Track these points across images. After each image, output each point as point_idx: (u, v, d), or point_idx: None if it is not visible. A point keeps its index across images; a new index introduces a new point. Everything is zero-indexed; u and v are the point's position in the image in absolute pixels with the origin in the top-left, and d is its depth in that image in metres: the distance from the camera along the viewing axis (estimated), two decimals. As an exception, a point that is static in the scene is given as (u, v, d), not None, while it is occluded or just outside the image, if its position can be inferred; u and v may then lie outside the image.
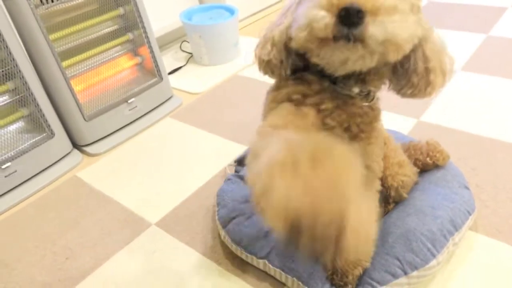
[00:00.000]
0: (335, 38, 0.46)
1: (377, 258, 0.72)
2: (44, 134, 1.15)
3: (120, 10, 1.26)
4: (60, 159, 1.19)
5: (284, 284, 0.78)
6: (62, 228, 0.98)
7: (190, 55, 1.73)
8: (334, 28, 0.45)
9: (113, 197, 1.06)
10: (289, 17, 0.55)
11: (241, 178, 0.97)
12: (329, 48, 0.48)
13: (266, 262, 0.78)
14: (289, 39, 0.54)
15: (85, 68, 1.23)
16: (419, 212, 0.78)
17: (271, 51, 0.58)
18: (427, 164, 0.90)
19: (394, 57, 0.49)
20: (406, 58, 0.54)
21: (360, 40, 0.46)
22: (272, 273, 0.78)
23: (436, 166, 0.91)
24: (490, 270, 0.76)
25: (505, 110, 1.18)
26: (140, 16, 1.26)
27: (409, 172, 0.83)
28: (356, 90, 0.57)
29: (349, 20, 0.44)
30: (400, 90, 0.59)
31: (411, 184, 0.86)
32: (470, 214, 0.81)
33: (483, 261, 0.78)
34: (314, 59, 0.53)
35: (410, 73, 0.56)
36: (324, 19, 0.45)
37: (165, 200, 1.02)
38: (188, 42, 1.72)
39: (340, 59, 0.49)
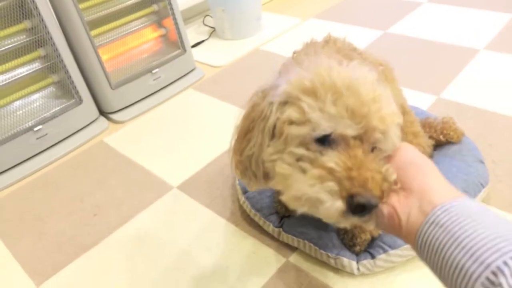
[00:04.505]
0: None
1: (389, 223, 0.75)
2: (73, 100, 1.20)
3: (147, -18, 1.28)
4: (88, 124, 1.25)
5: (296, 248, 0.82)
6: (90, 188, 1.04)
7: (212, 29, 1.75)
8: (343, 215, 0.42)
9: (137, 161, 1.11)
10: (252, 148, 0.52)
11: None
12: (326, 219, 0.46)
13: (281, 231, 0.82)
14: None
15: (112, 38, 1.27)
16: (433, 182, 0.80)
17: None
18: (440, 141, 0.91)
19: None
20: None
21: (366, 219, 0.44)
22: (285, 240, 0.82)
23: (449, 143, 0.92)
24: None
25: (527, 89, 1.17)
26: (165, -13, 1.29)
27: (424, 143, 0.85)
28: None
29: (363, 212, 0.42)
30: None
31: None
32: (483, 187, 0.83)
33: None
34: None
35: None
36: (337, 209, 0.42)
37: (186, 166, 1.07)
38: (211, 17, 1.74)
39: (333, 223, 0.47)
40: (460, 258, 0.35)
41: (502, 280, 0.32)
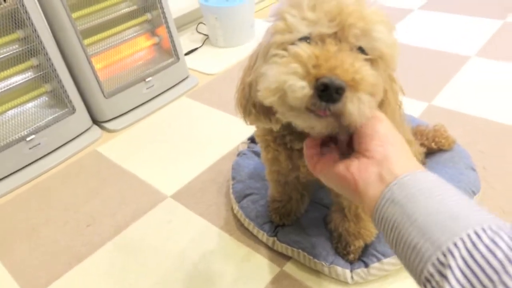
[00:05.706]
0: (308, 109, 0.44)
1: (382, 232, 0.76)
2: (66, 110, 1.20)
3: (140, -10, 1.29)
4: (81, 134, 1.25)
5: (291, 257, 0.82)
6: (84, 198, 1.04)
7: (206, 37, 1.76)
8: (310, 101, 0.42)
9: (131, 170, 1.11)
10: (252, 74, 0.53)
11: (256, 153, 1.00)
12: (299, 115, 0.46)
13: (275, 240, 0.82)
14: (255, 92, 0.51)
15: (105, 47, 1.27)
16: (425, 190, 0.81)
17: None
18: (432, 149, 0.92)
19: (353, 128, 0.46)
20: None
21: (335, 115, 0.43)
22: (279, 249, 0.82)
23: (441, 151, 0.93)
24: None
25: (517, 96, 1.19)
26: (159, -4, 1.29)
27: (415, 151, 0.85)
28: None
29: (328, 95, 0.41)
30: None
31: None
32: (475, 194, 0.84)
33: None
34: (279, 116, 0.50)
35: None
36: (303, 90, 0.42)
37: (180, 174, 1.07)
38: (204, 24, 1.75)
39: (307, 125, 0.47)
40: (413, 236, 0.35)
41: (451, 262, 0.32)
